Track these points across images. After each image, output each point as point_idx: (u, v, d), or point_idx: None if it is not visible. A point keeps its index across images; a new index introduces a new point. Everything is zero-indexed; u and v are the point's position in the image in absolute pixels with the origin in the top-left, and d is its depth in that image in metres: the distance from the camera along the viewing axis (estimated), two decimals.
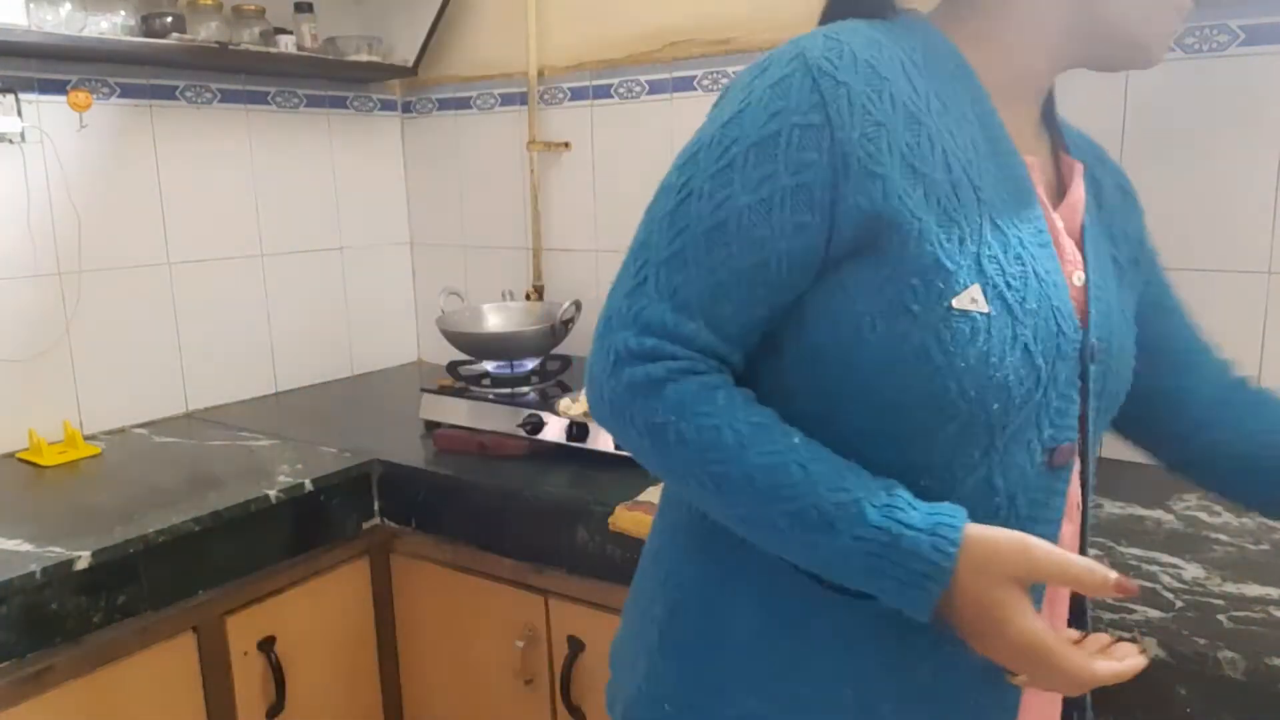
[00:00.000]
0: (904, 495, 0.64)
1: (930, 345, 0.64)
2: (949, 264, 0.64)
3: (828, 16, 0.75)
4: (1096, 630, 0.95)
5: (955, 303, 0.64)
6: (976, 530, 0.63)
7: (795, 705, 0.71)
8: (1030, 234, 0.69)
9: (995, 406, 0.65)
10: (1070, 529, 0.76)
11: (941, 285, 0.64)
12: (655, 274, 0.68)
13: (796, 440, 0.66)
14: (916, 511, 0.63)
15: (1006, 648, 0.63)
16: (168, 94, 1.83)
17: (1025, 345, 0.65)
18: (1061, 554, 0.63)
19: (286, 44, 1.88)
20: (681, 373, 0.67)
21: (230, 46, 1.78)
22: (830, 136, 0.64)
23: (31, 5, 1.53)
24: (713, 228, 0.66)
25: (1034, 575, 0.63)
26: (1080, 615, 0.82)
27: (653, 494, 1.32)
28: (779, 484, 0.64)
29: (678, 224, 0.68)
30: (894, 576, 0.62)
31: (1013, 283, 0.66)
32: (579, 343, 2.01)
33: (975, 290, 0.64)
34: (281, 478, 1.47)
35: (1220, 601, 1.01)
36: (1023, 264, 0.67)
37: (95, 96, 1.71)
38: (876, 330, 0.65)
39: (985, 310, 0.64)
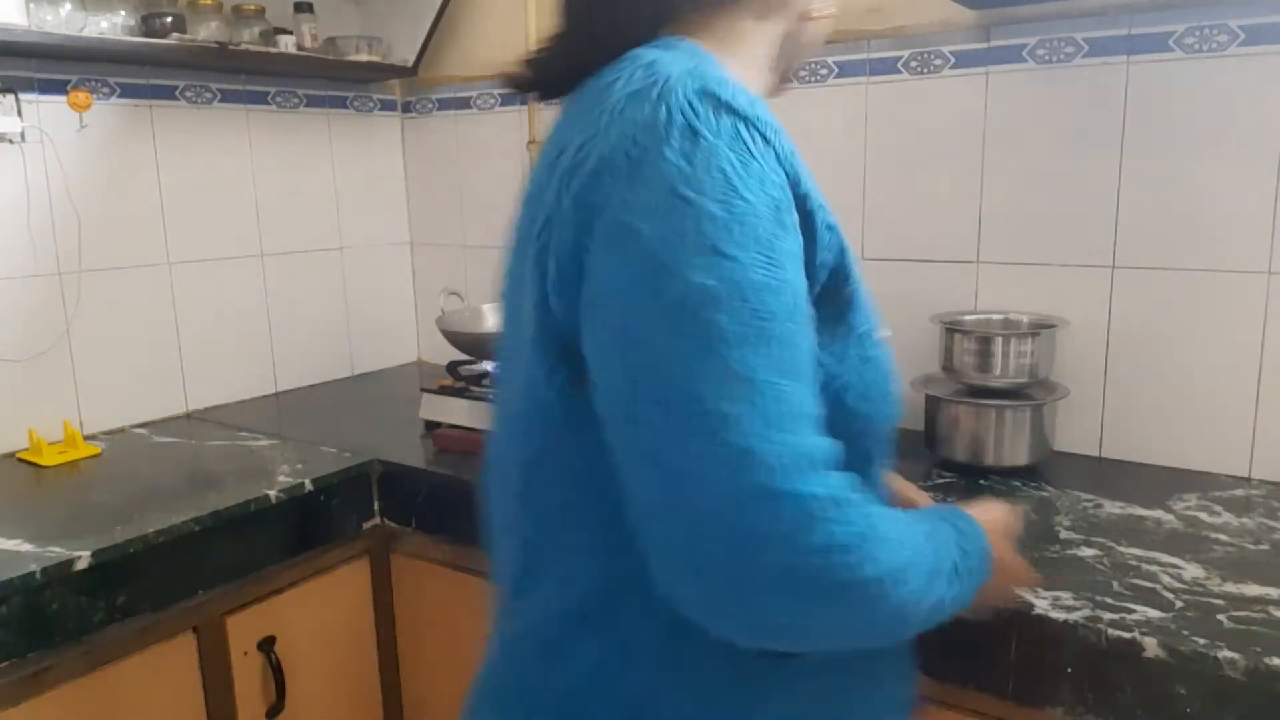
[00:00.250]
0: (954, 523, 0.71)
1: (874, 376, 0.68)
2: (868, 303, 0.69)
3: (599, 37, 0.70)
4: (1096, 632, 0.96)
5: (880, 334, 0.68)
6: (978, 513, 0.74)
7: None
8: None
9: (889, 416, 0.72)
10: None
11: (870, 322, 0.68)
12: (774, 399, 0.54)
13: (901, 513, 0.64)
14: (968, 526, 0.71)
15: (1013, 574, 0.79)
16: (168, 94, 1.83)
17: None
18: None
19: (286, 44, 1.88)
20: (857, 491, 0.57)
21: (230, 46, 1.78)
22: (794, 192, 0.61)
23: (31, 5, 1.53)
24: (789, 316, 0.56)
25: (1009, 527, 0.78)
26: None
27: None
28: (935, 558, 0.64)
29: (763, 334, 0.55)
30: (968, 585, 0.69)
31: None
32: None
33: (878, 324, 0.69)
34: (281, 478, 1.47)
35: (1220, 601, 1.01)
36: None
37: (95, 96, 1.71)
38: (839, 371, 0.66)
39: (884, 336, 0.69)
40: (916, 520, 0.65)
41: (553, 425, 0.65)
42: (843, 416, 0.63)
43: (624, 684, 0.66)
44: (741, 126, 0.59)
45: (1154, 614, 0.98)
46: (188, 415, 1.90)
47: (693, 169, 0.57)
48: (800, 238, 0.60)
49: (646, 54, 0.65)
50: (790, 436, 0.54)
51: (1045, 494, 1.35)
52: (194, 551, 1.31)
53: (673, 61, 0.63)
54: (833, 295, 0.64)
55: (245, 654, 1.39)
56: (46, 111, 1.65)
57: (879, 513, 0.58)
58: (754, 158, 0.58)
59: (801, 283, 0.59)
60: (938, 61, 1.58)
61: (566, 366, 0.62)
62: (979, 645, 1.02)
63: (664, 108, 0.59)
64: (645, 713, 0.65)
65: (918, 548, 0.61)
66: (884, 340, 0.67)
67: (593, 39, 0.70)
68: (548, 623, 0.69)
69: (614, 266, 0.58)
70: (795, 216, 0.60)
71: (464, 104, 2.18)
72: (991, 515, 0.76)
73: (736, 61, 0.71)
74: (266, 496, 1.40)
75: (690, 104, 0.59)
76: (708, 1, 0.71)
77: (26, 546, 1.22)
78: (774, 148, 0.60)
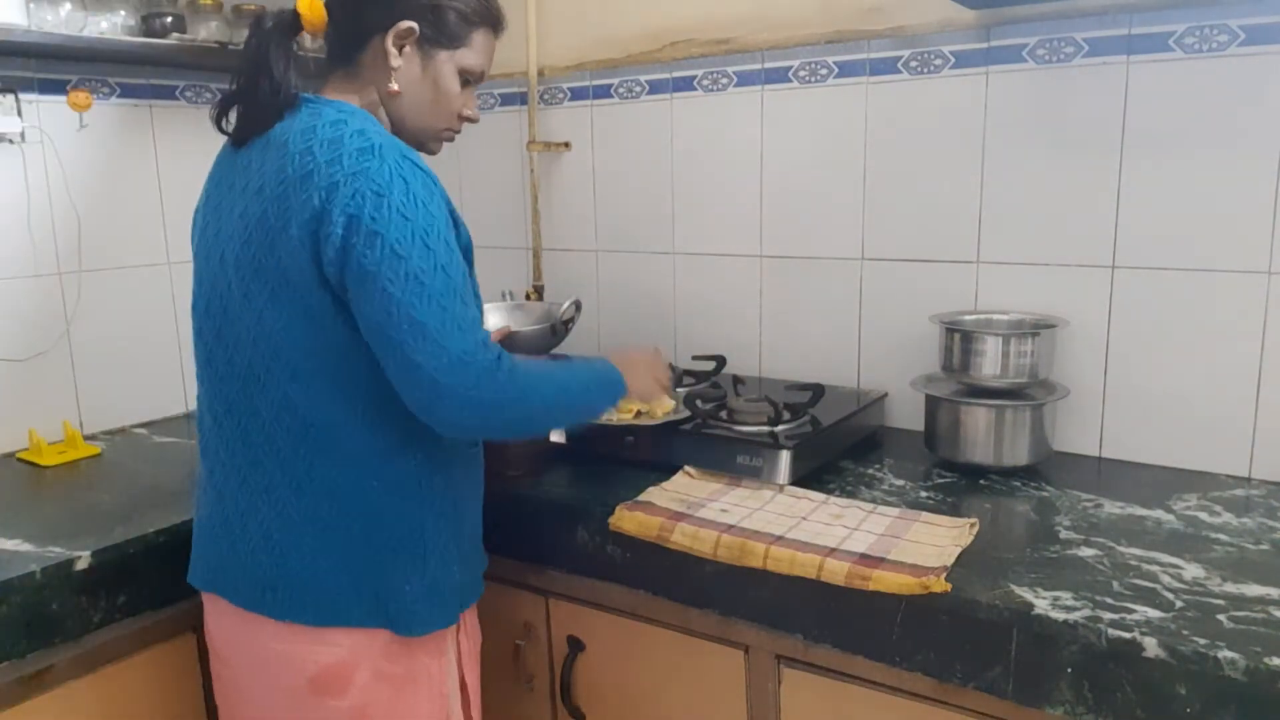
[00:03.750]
0: (590, 360, 1.24)
1: (478, 297, 1.17)
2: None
3: (252, 105, 1.11)
4: (1096, 632, 0.96)
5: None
6: (612, 355, 1.26)
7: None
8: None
9: None
10: None
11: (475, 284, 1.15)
12: (463, 317, 1.02)
13: (540, 359, 1.27)
14: (599, 362, 1.23)
15: (650, 369, 1.31)
16: (168, 94, 1.84)
17: None
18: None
19: None
20: (503, 352, 1.06)
21: (230, 46, 1.78)
22: (449, 209, 1.08)
23: (31, 5, 1.53)
24: (461, 275, 1.05)
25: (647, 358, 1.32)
26: None
27: (653, 494, 1.33)
28: (570, 380, 1.16)
29: (450, 285, 1.02)
30: (614, 393, 1.21)
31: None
32: (580, 342, 2.01)
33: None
34: None
35: (1220, 601, 1.01)
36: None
37: (95, 96, 1.71)
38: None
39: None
40: (553, 364, 1.16)
41: (335, 339, 1.05)
42: None
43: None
44: (424, 175, 1.05)
45: (1154, 614, 0.98)
46: (188, 415, 1.90)
47: (408, 201, 1.01)
48: (453, 232, 1.06)
49: (336, 115, 1.06)
50: (468, 330, 1.02)
51: (1045, 494, 1.35)
52: None
53: (365, 127, 1.05)
54: (465, 254, 1.10)
55: None
56: (46, 111, 1.65)
57: (518, 361, 1.07)
58: (433, 192, 1.04)
59: (458, 256, 1.05)
60: (938, 61, 1.58)
61: (336, 306, 1.03)
62: (979, 645, 1.02)
63: (385, 163, 1.02)
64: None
65: (547, 376, 1.11)
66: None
67: (259, 98, 1.10)
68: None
69: (371, 255, 0.99)
70: (451, 220, 1.07)
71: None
72: (625, 354, 1.28)
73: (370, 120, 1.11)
74: None
75: (398, 162, 1.02)
76: (331, 80, 1.16)
77: (26, 546, 1.22)
78: (437, 185, 1.06)
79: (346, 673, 1.09)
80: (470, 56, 1.16)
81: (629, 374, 1.23)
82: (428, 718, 1.16)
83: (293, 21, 1.12)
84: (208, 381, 1.14)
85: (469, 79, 1.18)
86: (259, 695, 1.14)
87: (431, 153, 1.21)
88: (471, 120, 1.22)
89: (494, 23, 1.19)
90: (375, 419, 1.07)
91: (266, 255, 1.04)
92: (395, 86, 1.13)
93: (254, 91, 1.09)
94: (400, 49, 1.12)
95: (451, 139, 1.23)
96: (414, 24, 1.11)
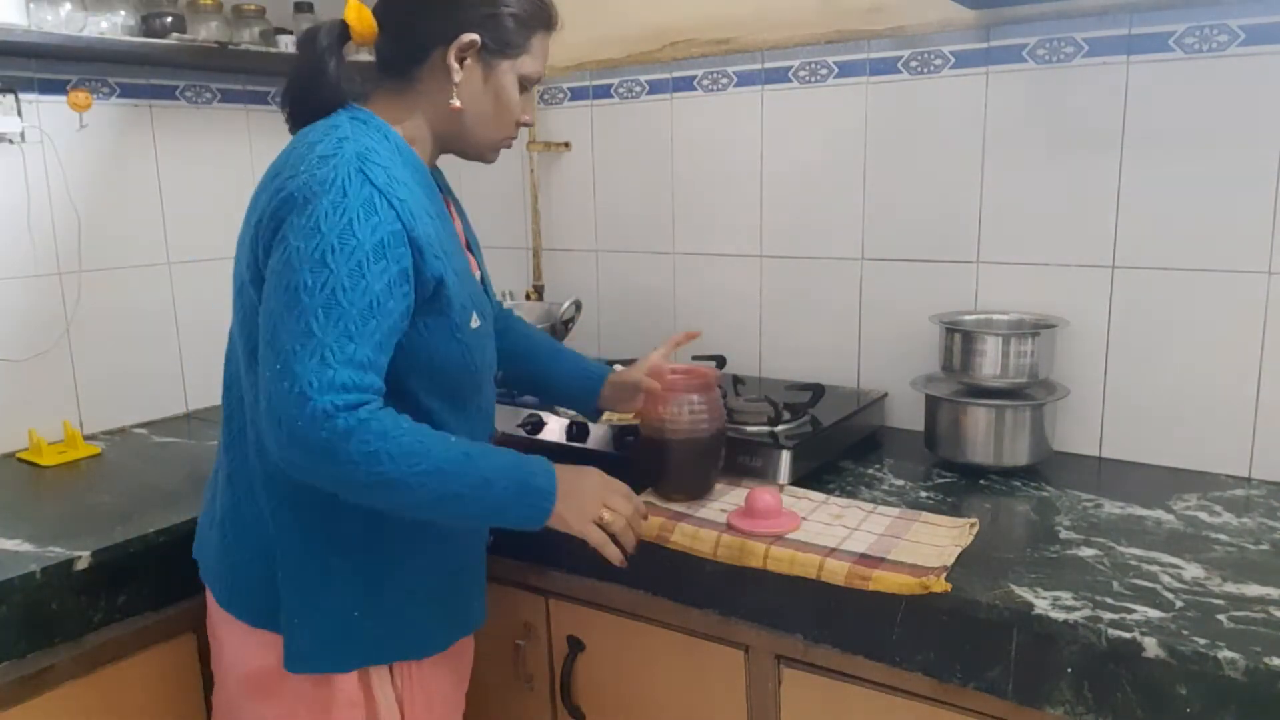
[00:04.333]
0: (524, 459, 1.05)
1: (465, 350, 1.08)
2: (467, 304, 1.08)
3: (311, 103, 1.08)
4: (1096, 632, 0.96)
5: (472, 325, 1.08)
6: (558, 467, 1.07)
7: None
8: (466, 267, 1.12)
9: (486, 370, 1.15)
10: None
11: (464, 317, 1.07)
12: (330, 348, 0.92)
13: (453, 440, 1.00)
14: (535, 465, 1.05)
15: (595, 489, 1.10)
16: (168, 94, 1.84)
17: (490, 337, 1.17)
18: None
19: (286, 44, 1.88)
20: (373, 410, 0.94)
21: (230, 46, 1.78)
22: (408, 235, 0.99)
23: (31, 5, 1.53)
24: (364, 309, 0.94)
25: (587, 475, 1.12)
26: None
27: (652, 495, 1.32)
28: (460, 469, 0.98)
29: (333, 312, 0.92)
30: (530, 505, 1.04)
31: (482, 306, 1.12)
32: (580, 342, 2.01)
33: (474, 316, 1.09)
34: None
35: (1220, 601, 1.01)
36: (478, 292, 1.14)
37: (95, 96, 1.70)
38: (440, 346, 1.05)
39: (476, 325, 1.09)
40: (454, 441, 1.01)
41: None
42: (435, 367, 1.06)
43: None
44: (375, 194, 0.97)
45: (1154, 614, 0.98)
46: (188, 415, 1.90)
47: (332, 213, 0.94)
48: (402, 264, 0.98)
49: (342, 125, 1.03)
50: (330, 364, 0.91)
51: (1045, 494, 1.35)
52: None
53: (354, 137, 1.01)
54: (434, 299, 1.03)
55: None
56: (46, 111, 1.65)
57: (386, 419, 0.94)
58: (375, 213, 0.96)
59: (382, 289, 0.95)
60: (938, 61, 1.58)
61: None
62: (979, 645, 1.02)
63: (334, 173, 0.96)
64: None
65: (428, 446, 0.96)
66: (475, 328, 1.09)
67: (307, 103, 1.08)
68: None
69: (275, 258, 0.96)
70: (404, 250, 0.98)
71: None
72: (580, 470, 1.11)
73: (401, 128, 1.09)
74: None
75: (349, 175, 0.97)
76: (379, 93, 1.11)
77: (26, 546, 1.22)
78: (396, 210, 0.98)
79: (274, 681, 1.08)
80: (530, 63, 1.11)
81: (567, 492, 1.05)
82: None
83: (343, 32, 1.09)
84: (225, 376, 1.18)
85: (527, 84, 1.13)
86: (223, 683, 1.17)
87: (488, 162, 1.18)
88: (528, 125, 1.18)
89: (550, 23, 1.13)
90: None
91: (237, 268, 1.07)
92: (457, 103, 1.07)
93: (305, 102, 1.08)
94: (461, 62, 1.07)
95: (510, 146, 1.18)
96: (476, 36, 1.06)
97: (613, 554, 1.10)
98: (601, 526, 1.09)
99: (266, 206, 0.99)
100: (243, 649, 1.11)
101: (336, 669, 1.07)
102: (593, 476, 1.11)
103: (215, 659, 1.18)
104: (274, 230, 0.97)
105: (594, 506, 1.08)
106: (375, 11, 1.09)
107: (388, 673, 1.11)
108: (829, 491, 1.35)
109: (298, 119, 1.09)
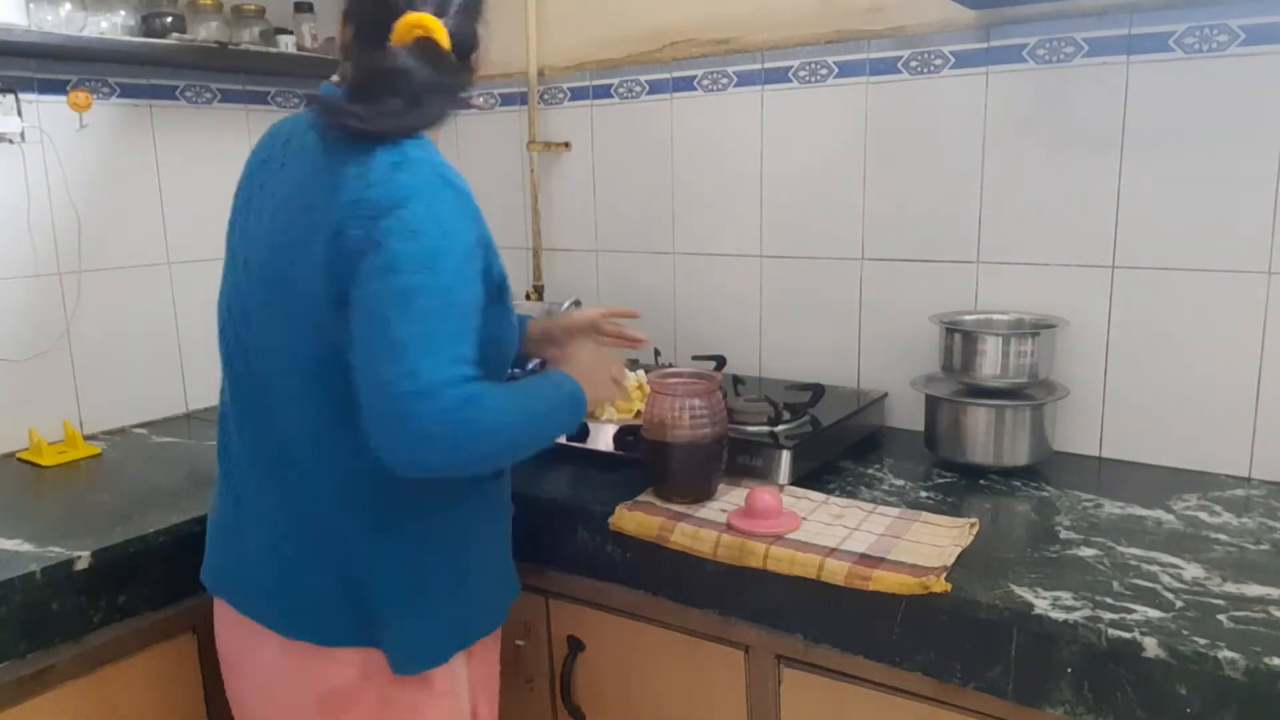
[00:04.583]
0: (546, 379, 1.16)
1: (514, 332, 1.17)
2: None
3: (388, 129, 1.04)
4: (1096, 632, 0.96)
5: (516, 309, 1.18)
6: (560, 368, 1.19)
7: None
8: None
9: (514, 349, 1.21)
10: None
11: (511, 304, 1.15)
12: (446, 347, 0.95)
13: (510, 390, 1.07)
14: (557, 377, 1.15)
15: (602, 368, 1.22)
16: (168, 94, 1.84)
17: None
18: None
19: (286, 44, 1.88)
20: (479, 392, 0.97)
21: (230, 46, 1.78)
22: (482, 236, 1.04)
23: (31, 5, 1.53)
24: (467, 308, 0.99)
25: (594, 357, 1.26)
26: None
27: (652, 496, 1.32)
28: (536, 411, 1.08)
29: (446, 312, 0.96)
30: (578, 408, 1.13)
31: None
32: None
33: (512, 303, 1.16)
34: None
35: (1220, 601, 1.01)
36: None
37: (95, 96, 1.71)
38: (500, 332, 1.11)
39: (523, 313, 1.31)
40: (516, 387, 1.10)
41: (344, 362, 0.99)
42: (490, 351, 1.07)
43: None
44: (458, 197, 1.01)
45: (1154, 614, 0.98)
46: (188, 415, 1.90)
47: (427, 217, 0.97)
48: (483, 262, 1.04)
49: (408, 147, 1.02)
50: (448, 362, 0.95)
51: (1045, 494, 1.35)
52: (194, 551, 1.31)
53: (412, 143, 1.02)
54: (498, 291, 1.09)
55: None
56: (46, 111, 1.65)
57: (488, 396, 0.98)
58: (462, 216, 1.01)
59: (476, 288, 1.01)
60: (938, 61, 1.58)
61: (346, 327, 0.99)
62: (979, 645, 1.02)
63: (417, 179, 0.99)
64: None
65: (515, 412, 1.03)
66: (517, 312, 1.20)
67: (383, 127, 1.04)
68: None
69: (371, 263, 0.95)
70: (482, 249, 1.04)
71: (463, 103, 2.18)
72: (575, 359, 1.24)
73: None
74: None
75: (433, 180, 1.00)
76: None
77: (26, 546, 1.22)
78: (473, 213, 1.03)
79: (355, 694, 1.07)
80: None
81: (586, 384, 1.16)
82: None
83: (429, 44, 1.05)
84: (227, 381, 1.14)
85: None
86: (265, 709, 1.12)
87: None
88: None
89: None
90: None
91: (289, 268, 1.02)
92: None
93: (384, 104, 1.02)
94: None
95: None
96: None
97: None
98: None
99: (341, 216, 0.97)
100: (312, 672, 1.07)
101: (438, 662, 1.09)
102: (582, 354, 1.26)
103: (262, 685, 1.11)
104: (362, 239, 0.96)
105: (603, 374, 1.22)
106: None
107: (465, 655, 1.14)
108: (829, 491, 1.35)
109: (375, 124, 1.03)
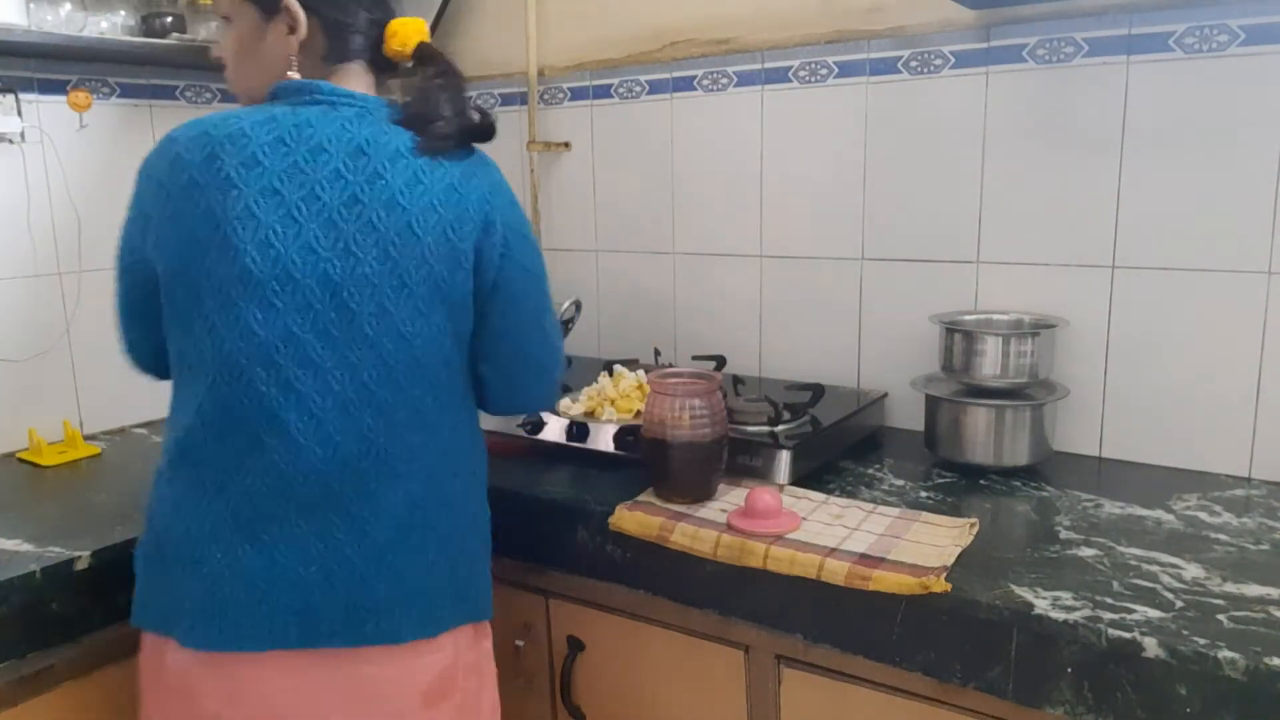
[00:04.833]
0: None
1: None
2: None
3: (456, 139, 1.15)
4: (1096, 632, 0.96)
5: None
6: None
7: None
8: None
9: None
10: None
11: None
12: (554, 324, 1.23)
13: None
14: None
15: None
16: (168, 94, 1.84)
17: None
18: None
19: None
20: None
21: None
22: None
23: (31, 5, 1.53)
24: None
25: None
26: None
27: (652, 496, 1.33)
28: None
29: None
30: None
31: None
32: (580, 342, 2.01)
33: None
34: None
35: (1220, 601, 1.01)
36: None
37: (95, 96, 1.71)
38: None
39: None
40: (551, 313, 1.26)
41: (460, 349, 1.13)
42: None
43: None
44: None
45: (1154, 614, 0.98)
46: None
47: (531, 233, 1.18)
48: None
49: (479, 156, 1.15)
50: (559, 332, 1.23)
51: (1045, 494, 1.35)
52: None
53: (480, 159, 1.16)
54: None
55: None
56: (46, 111, 1.65)
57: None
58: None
59: None
60: (938, 61, 1.58)
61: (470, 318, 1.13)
62: (979, 645, 1.02)
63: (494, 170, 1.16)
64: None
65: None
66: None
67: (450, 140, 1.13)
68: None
69: (517, 267, 1.13)
70: None
71: None
72: None
73: None
74: None
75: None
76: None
77: (26, 546, 1.22)
78: None
79: (452, 674, 1.10)
80: None
81: None
82: (494, 694, 1.20)
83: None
84: (294, 410, 1.01)
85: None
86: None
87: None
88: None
89: None
90: (470, 418, 1.17)
91: (416, 268, 1.04)
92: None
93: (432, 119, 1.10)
94: None
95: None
96: None
97: None
98: None
99: (476, 216, 1.09)
100: (420, 665, 1.06)
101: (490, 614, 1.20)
102: None
103: (347, 713, 1.03)
104: (507, 237, 1.11)
105: None
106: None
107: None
108: (829, 491, 1.35)
109: (441, 136, 1.11)
